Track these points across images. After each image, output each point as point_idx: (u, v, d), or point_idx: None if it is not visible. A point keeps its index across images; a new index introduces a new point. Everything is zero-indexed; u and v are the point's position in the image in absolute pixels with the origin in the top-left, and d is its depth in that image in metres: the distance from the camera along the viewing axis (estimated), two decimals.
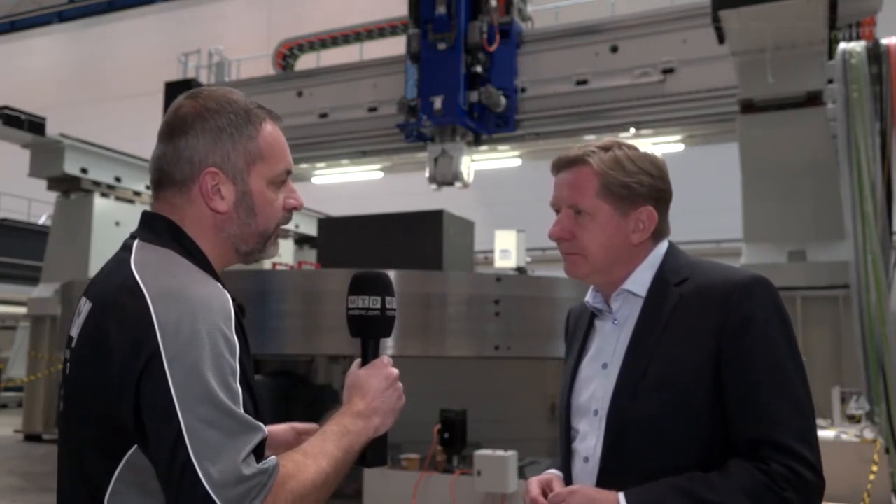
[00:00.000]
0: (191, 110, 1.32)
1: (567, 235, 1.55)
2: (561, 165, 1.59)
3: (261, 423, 1.16)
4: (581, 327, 1.67)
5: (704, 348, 1.41)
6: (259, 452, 1.15)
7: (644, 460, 1.42)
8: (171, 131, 1.32)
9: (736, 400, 1.39)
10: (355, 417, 1.30)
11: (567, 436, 1.60)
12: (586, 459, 1.52)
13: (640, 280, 1.54)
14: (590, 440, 1.52)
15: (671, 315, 1.47)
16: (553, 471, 1.63)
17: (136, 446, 1.15)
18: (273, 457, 1.16)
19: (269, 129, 1.37)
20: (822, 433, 5.16)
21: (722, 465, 1.37)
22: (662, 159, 1.59)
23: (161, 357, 1.11)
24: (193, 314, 1.15)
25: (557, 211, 1.59)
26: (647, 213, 1.53)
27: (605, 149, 1.55)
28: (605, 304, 1.59)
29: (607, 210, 1.52)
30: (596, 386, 1.54)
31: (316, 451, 1.22)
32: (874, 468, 4.83)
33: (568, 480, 1.57)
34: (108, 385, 1.14)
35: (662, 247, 1.58)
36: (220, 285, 1.25)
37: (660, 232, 1.57)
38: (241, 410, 1.14)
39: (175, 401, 1.09)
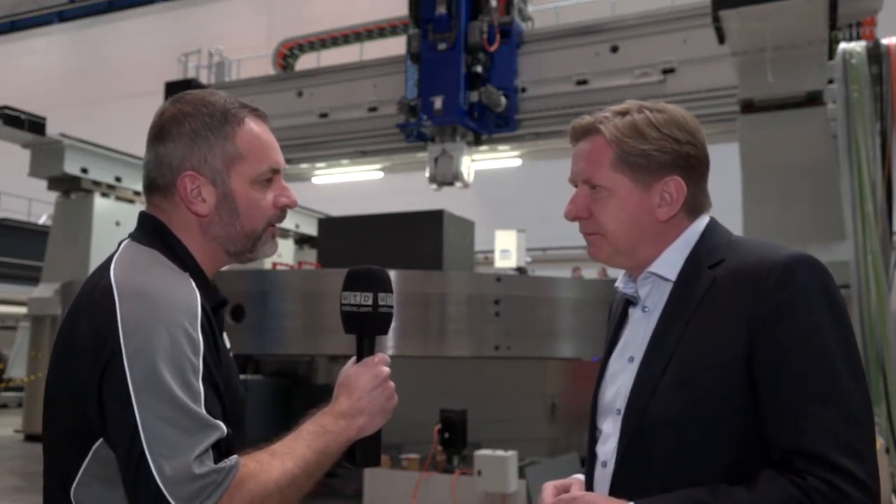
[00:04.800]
0: (169, 116, 1.34)
1: (583, 213, 1.38)
2: (576, 135, 1.41)
3: (220, 422, 1.15)
4: (616, 317, 1.48)
5: (736, 340, 1.22)
6: (223, 451, 1.15)
7: (662, 467, 1.25)
8: (154, 137, 1.35)
9: (771, 402, 1.20)
10: (337, 417, 1.28)
11: (592, 437, 1.44)
12: (604, 464, 1.36)
13: (670, 261, 1.35)
14: (610, 443, 1.35)
15: (701, 301, 1.28)
16: (577, 476, 1.49)
17: (101, 439, 1.17)
18: (234, 456, 1.16)
19: (250, 128, 1.35)
20: None
21: (752, 477, 1.19)
22: (695, 121, 1.40)
23: (121, 353, 1.13)
24: (155, 312, 1.16)
25: (576, 186, 1.41)
26: (674, 185, 1.33)
27: (622, 113, 1.37)
28: (636, 290, 1.40)
29: (625, 183, 1.34)
30: (621, 382, 1.36)
31: (284, 451, 1.21)
32: None
33: (590, 487, 1.40)
34: (76, 379, 1.18)
35: (700, 223, 1.38)
36: (191, 283, 1.26)
37: (696, 206, 1.37)
38: (202, 409, 1.14)
39: (132, 397, 1.11)
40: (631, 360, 1.36)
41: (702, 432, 1.23)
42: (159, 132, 1.34)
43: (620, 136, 1.34)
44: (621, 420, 1.32)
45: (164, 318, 1.16)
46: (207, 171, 1.32)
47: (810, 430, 1.16)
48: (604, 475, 1.35)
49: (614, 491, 1.30)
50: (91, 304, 1.21)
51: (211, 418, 1.14)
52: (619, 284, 1.45)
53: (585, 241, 1.43)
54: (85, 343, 1.18)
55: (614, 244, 1.38)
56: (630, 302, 1.44)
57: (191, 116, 1.32)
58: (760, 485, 1.17)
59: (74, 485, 1.19)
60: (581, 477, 1.48)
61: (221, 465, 1.12)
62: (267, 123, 1.40)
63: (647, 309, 1.38)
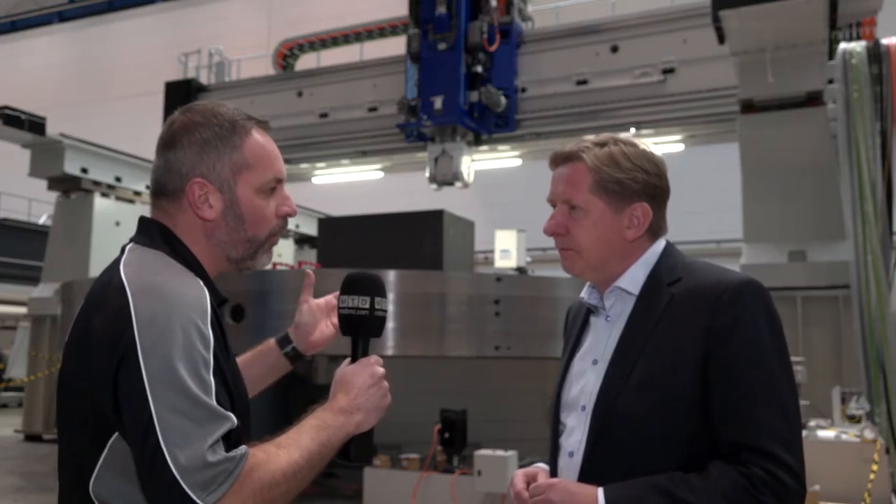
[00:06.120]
0: (180, 125, 1.41)
1: (561, 230, 1.57)
2: (557, 161, 1.60)
3: (230, 414, 1.21)
4: (577, 323, 1.68)
5: (693, 350, 1.42)
6: (232, 441, 1.20)
7: (627, 458, 1.44)
8: (164, 145, 1.41)
9: (721, 403, 1.40)
10: (336, 413, 1.35)
11: (555, 430, 1.61)
12: (571, 454, 1.53)
13: (634, 278, 1.55)
14: (576, 435, 1.53)
15: (662, 315, 1.48)
16: (540, 464, 1.65)
17: (117, 433, 1.22)
18: (243, 446, 1.21)
19: (256, 138, 1.43)
20: (822, 433, 5.16)
21: (704, 467, 1.38)
22: (660, 157, 1.60)
23: (136, 349, 1.18)
24: (169, 308, 1.21)
25: (554, 206, 1.60)
26: (641, 210, 1.53)
27: (601, 145, 1.56)
28: (601, 301, 1.60)
29: (600, 206, 1.53)
30: (585, 381, 1.55)
31: (290, 443, 1.27)
32: (874, 468, 4.83)
33: (554, 474, 1.58)
34: (92, 375, 1.22)
35: (659, 245, 1.59)
36: (200, 282, 1.31)
37: (656, 230, 1.58)
38: (213, 401, 1.19)
39: (147, 390, 1.16)
40: (595, 362, 1.55)
41: (663, 428, 1.42)
42: (170, 140, 1.40)
43: (599, 164, 1.53)
44: (591, 416, 1.50)
45: (176, 314, 1.21)
46: (215, 179, 1.38)
47: (754, 426, 1.37)
48: (571, 464, 1.53)
49: (583, 478, 1.48)
50: (104, 301, 1.26)
51: (222, 410, 1.20)
52: (583, 295, 1.65)
53: (560, 256, 1.60)
54: (100, 338, 1.22)
55: (588, 260, 1.56)
56: (590, 310, 1.64)
57: (201, 126, 1.39)
58: (712, 473, 1.37)
59: (93, 479, 1.23)
60: (545, 465, 1.64)
61: (232, 453, 1.17)
62: (271, 134, 1.47)
63: (609, 318, 1.57)
